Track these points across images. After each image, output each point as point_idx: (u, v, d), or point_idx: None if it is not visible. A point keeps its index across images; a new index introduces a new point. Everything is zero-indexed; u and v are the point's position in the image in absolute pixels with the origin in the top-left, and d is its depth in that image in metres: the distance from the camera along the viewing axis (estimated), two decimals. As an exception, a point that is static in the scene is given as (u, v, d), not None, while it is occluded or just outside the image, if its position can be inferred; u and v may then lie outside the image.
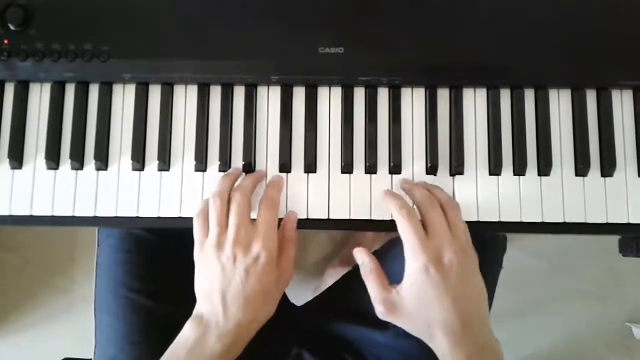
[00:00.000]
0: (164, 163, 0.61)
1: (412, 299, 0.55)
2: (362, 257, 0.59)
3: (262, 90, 0.63)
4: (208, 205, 0.57)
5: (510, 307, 1.28)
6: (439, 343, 0.54)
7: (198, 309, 0.57)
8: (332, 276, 1.17)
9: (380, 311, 0.57)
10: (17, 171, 0.61)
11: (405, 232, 0.55)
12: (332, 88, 0.63)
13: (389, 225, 0.59)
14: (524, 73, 0.62)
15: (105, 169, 0.62)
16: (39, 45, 0.60)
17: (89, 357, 0.72)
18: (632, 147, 0.62)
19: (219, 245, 0.55)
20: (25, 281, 1.32)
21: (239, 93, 0.63)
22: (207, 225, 0.57)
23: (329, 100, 0.63)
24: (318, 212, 0.61)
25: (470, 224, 0.59)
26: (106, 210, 0.61)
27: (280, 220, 0.59)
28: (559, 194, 0.61)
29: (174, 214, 0.61)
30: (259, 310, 0.57)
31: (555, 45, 0.61)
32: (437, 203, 0.57)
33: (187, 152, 0.62)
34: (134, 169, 0.62)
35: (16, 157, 0.61)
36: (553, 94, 0.63)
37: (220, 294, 0.55)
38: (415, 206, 0.58)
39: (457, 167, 0.61)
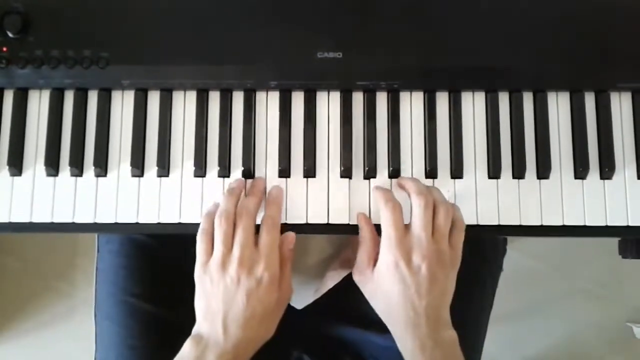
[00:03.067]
0: (164, 169, 0.61)
1: (380, 284, 0.58)
2: (361, 222, 0.60)
3: (261, 96, 0.63)
4: (211, 224, 0.57)
5: (511, 308, 1.28)
6: (396, 327, 0.58)
7: (198, 327, 0.57)
8: (332, 278, 1.16)
9: (354, 276, 0.61)
10: (16, 178, 0.61)
11: (387, 224, 0.56)
12: (331, 93, 0.63)
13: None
14: (523, 76, 0.62)
15: (105, 176, 0.62)
16: (38, 52, 0.60)
17: (90, 363, 0.72)
18: (631, 150, 0.62)
19: (224, 265, 0.56)
20: (26, 285, 1.32)
21: (238, 98, 0.63)
22: (211, 245, 0.57)
23: (328, 104, 0.63)
24: (317, 217, 0.61)
25: (470, 228, 0.59)
26: (106, 216, 0.61)
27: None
28: (558, 197, 0.61)
29: (174, 219, 0.61)
30: (258, 331, 0.57)
31: (554, 48, 0.61)
32: (431, 203, 0.57)
33: (186, 158, 0.62)
34: (134, 175, 0.62)
35: (16, 164, 0.61)
36: (551, 97, 0.63)
37: (222, 315, 0.55)
38: (410, 195, 0.59)
39: (456, 171, 0.61)
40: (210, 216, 0.58)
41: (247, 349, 0.57)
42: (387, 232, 0.56)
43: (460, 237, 0.58)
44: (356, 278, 0.61)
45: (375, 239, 0.59)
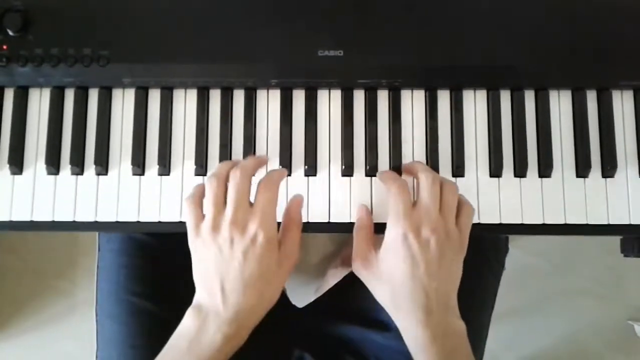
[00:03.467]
0: (164, 167, 0.61)
1: (387, 264, 0.55)
2: (361, 212, 0.59)
3: (261, 94, 0.63)
4: (200, 190, 0.54)
5: (512, 307, 1.28)
6: (404, 315, 0.54)
7: (197, 297, 0.55)
8: (334, 277, 1.16)
9: (355, 265, 0.58)
10: (17, 177, 0.61)
11: (393, 199, 0.54)
12: (332, 91, 0.63)
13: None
14: (524, 74, 0.62)
15: (106, 174, 0.62)
16: (38, 50, 0.60)
17: (91, 361, 0.72)
18: (633, 148, 0.62)
19: (216, 226, 0.52)
20: (27, 284, 1.32)
21: (239, 97, 0.63)
22: (201, 210, 0.54)
23: (329, 103, 0.63)
24: (319, 216, 0.61)
25: (471, 226, 0.59)
26: (107, 215, 0.61)
27: (278, 224, 0.59)
28: (560, 195, 0.61)
29: (175, 218, 0.61)
30: (260, 295, 0.54)
31: (556, 46, 0.61)
32: (438, 180, 0.56)
33: (187, 156, 0.62)
34: (134, 174, 0.62)
35: (16, 163, 0.61)
36: (553, 95, 0.63)
37: (219, 281, 0.53)
38: (417, 176, 0.57)
39: (457, 169, 0.61)
40: (200, 184, 0.55)
41: (249, 318, 0.54)
42: (395, 205, 0.54)
43: (468, 220, 0.57)
44: (357, 265, 0.58)
45: (372, 228, 0.58)
